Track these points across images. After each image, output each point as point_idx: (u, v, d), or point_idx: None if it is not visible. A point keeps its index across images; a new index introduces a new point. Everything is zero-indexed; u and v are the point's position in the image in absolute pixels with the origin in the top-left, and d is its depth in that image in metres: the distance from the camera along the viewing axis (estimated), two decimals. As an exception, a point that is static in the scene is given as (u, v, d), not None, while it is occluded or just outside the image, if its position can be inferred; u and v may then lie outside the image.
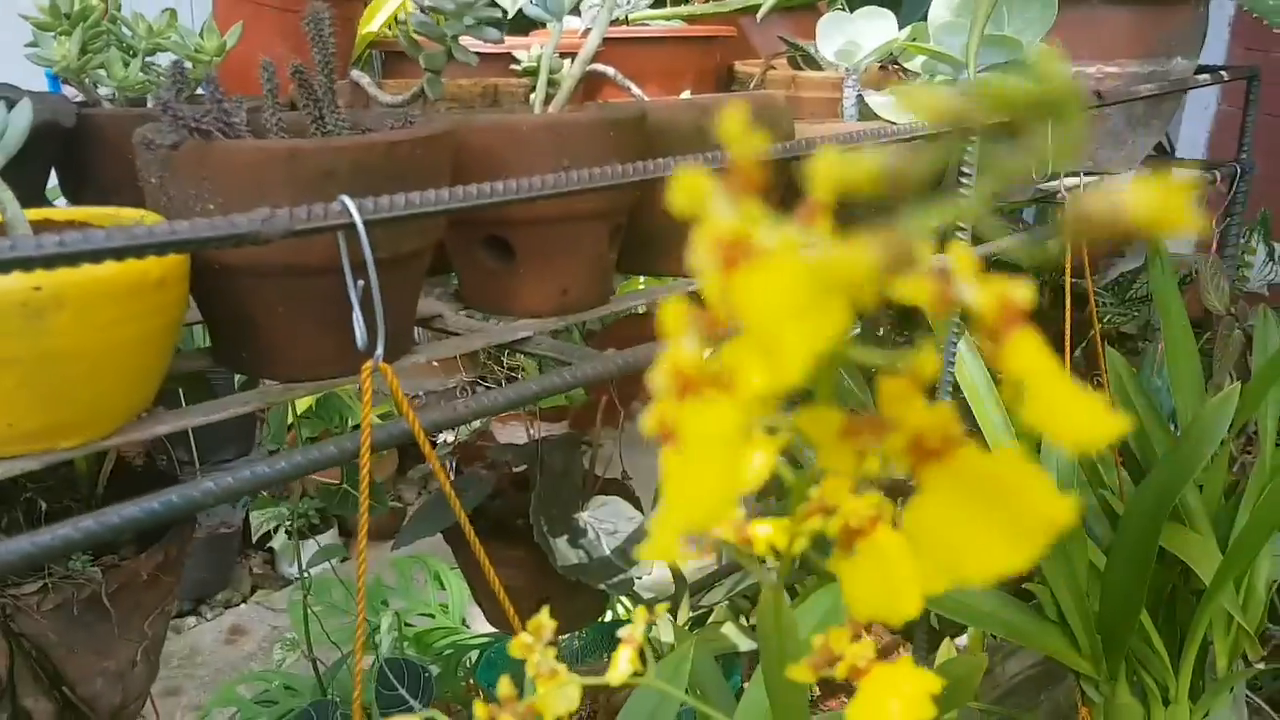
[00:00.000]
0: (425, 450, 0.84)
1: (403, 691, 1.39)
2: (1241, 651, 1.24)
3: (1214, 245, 1.86)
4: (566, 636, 1.66)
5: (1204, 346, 2.05)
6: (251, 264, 0.83)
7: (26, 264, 0.57)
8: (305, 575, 1.55)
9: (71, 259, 0.60)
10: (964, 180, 1.31)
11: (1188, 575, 1.24)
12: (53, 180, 0.99)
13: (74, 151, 0.96)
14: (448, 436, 2.51)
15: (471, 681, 1.69)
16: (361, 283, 0.79)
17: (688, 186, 0.29)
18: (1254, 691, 1.60)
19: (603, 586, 1.38)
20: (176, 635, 1.99)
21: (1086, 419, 0.31)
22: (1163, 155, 2.19)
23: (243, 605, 2.06)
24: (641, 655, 0.54)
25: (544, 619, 0.55)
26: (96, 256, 0.66)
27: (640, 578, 1.54)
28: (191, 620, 2.02)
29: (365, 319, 0.79)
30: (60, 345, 0.71)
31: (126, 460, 1.18)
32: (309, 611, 1.45)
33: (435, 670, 1.55)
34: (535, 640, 0.54)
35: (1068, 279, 1.36)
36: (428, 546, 1.65)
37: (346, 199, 0.73)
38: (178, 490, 0.70)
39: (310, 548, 1.95)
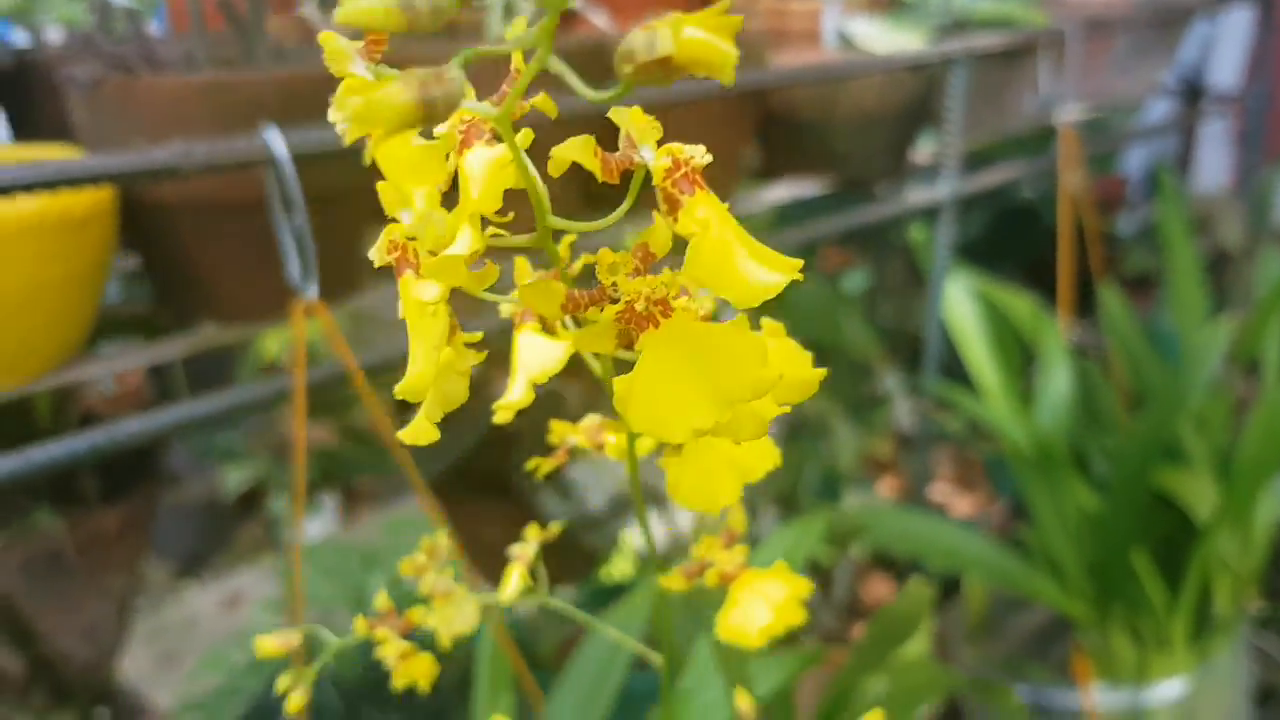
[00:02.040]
0: (363, 396, 0.82)
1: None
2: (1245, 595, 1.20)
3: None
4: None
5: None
6: (184, 201, 0.80)
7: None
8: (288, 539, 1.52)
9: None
10: (949, 110, 1.26)
11: (1187, 518, 1.19)
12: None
13: (18, 93, 0.94)
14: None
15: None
16: (299, 220, 0.76)
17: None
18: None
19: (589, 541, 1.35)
20: (175, 603, 2.00)
21: (749, 272, 0.32)
22: (1188, 88, 2.11)
23: (243, 571, 2.06)
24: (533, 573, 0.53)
25: (440, 539, 0.53)
26: (3, 191, 0.64)
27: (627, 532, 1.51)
28: (190, 588, 2.03)
29: (300, 257, 0.77)
30: (-24, 285, 0.69)
31: (94, 411, 1.17)
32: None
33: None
34: (430, 560, 0.52)
35: (1066, 216, 1.30)
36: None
37: (270, 132, 0.71)
38: None
39: (311, 511, 1.94)
